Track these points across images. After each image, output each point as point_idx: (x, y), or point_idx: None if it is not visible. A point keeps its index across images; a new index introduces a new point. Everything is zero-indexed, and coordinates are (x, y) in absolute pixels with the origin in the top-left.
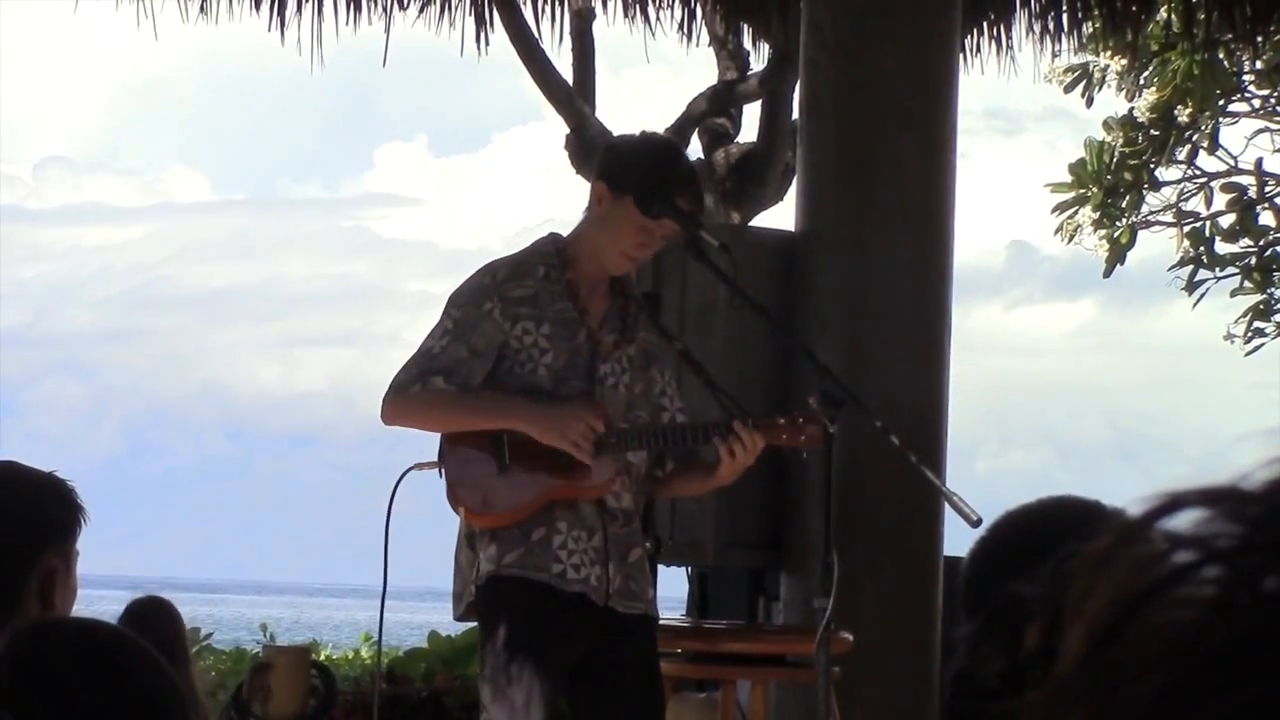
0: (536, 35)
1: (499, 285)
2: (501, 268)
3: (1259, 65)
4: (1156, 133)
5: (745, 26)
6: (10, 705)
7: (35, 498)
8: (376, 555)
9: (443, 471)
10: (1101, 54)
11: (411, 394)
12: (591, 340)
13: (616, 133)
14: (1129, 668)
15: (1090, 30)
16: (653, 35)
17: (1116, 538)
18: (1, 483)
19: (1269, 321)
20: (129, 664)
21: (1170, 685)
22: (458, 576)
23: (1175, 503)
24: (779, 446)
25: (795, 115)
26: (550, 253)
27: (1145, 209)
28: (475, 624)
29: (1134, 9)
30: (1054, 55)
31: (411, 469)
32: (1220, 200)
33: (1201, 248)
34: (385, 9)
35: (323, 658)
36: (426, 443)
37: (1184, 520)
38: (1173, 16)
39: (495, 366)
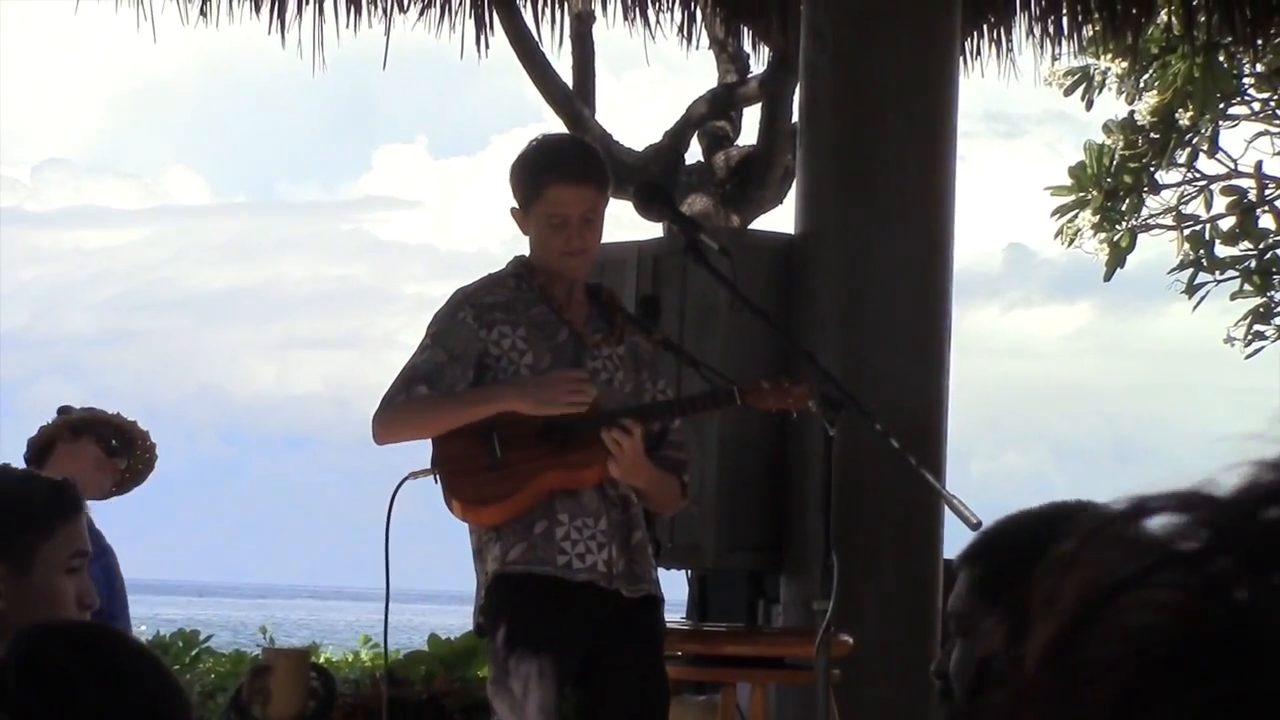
0: (536, 38)
1: (470, 296)
2: (471, 284)
3: (1259, 68)
4: (1156, 136)
5: (745, 29)
6: (13, 708)
7: None
8: (374, 558)
9: (436, 475)
10: (1102, 57)
11: (397, 404)
12: (575, 336)
13: (616, 135)
14: (1090, 668)
15: (1090, 33)
16: (652, 38)
17: (1083, 540)
18: None
19: (1269, 324)
20: (132, 667)
21: (1129, 687)
22: (476, 591)
23: (1143, 507)
24: (769, 409)
25: (795, 118)
26: (518, 265)
27: (1145, 212)
28: (476, 626)
29: (1134, 12)
30: (1054, 58)
31: (406, 479)
32: (1220, 203)
33: (1201, 251)
34: (385, 11)
35: (322, 660)
36: (423, 447)
37: (1153, 524)
38: (1173, 19)
39: (479, 376)
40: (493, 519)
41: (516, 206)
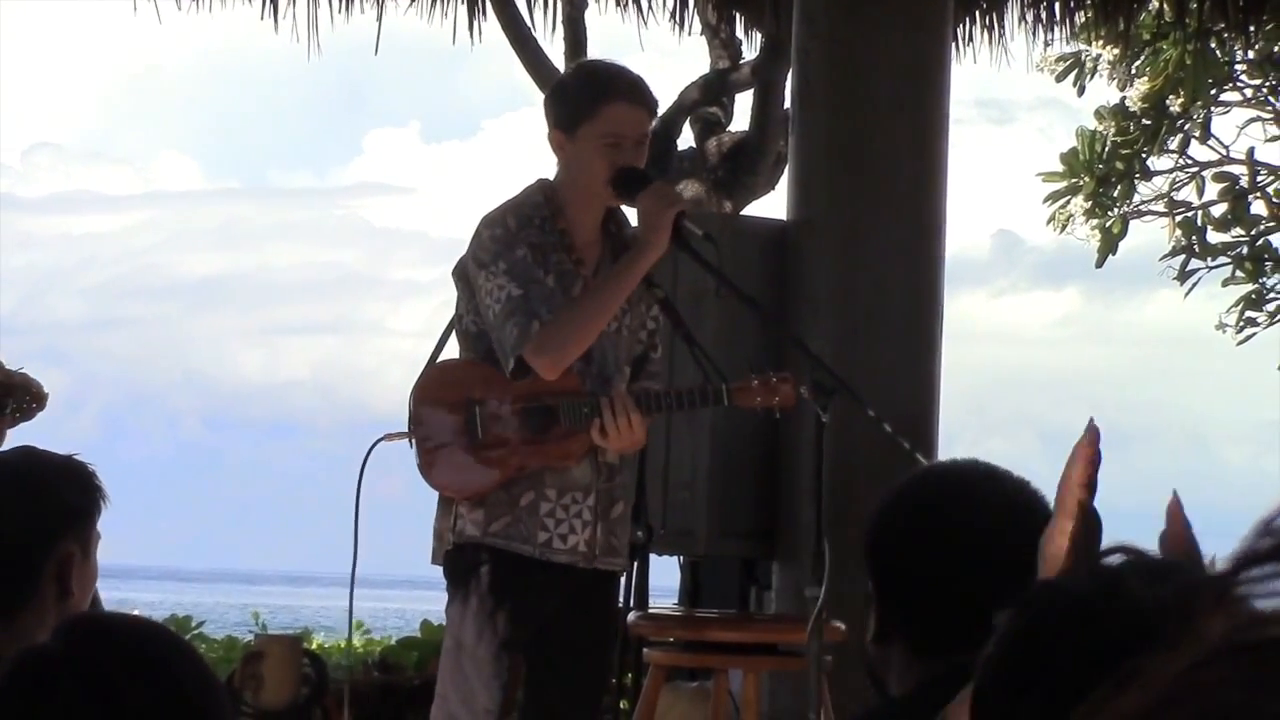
0: (529, 24)
1: (518, 233)
2: (509, 215)
3: (1251, 55)
4: (1148, 122)
5: (737, 15)
6: (58, 702)
7: (53, 483)
8: (361, 544)
9: (413, 442)
10: (1093, 43)
11: (549, 331)
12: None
13: None
14: None
15: (1082, 19)
16: (645, 24)
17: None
18: (19, 468)
19: (1260, 311)
20: (177, 666)
21: None
22: (439, 520)
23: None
24: (754, 408)
25: (787, 104)
26: (540, 202)
27: (1137, 198)
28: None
29: None
30: (1046, 44)
31: (381, 440)
32: (1212, 190)
33: (1193, 237)
34: None
35: (314, 647)
36: (398, 415)
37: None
38: (1165, 6)
39: None
40: (465, 499)
41: (558, 131)
